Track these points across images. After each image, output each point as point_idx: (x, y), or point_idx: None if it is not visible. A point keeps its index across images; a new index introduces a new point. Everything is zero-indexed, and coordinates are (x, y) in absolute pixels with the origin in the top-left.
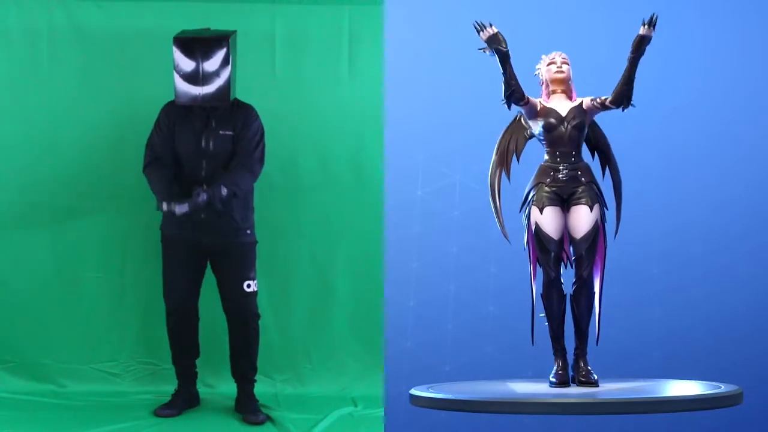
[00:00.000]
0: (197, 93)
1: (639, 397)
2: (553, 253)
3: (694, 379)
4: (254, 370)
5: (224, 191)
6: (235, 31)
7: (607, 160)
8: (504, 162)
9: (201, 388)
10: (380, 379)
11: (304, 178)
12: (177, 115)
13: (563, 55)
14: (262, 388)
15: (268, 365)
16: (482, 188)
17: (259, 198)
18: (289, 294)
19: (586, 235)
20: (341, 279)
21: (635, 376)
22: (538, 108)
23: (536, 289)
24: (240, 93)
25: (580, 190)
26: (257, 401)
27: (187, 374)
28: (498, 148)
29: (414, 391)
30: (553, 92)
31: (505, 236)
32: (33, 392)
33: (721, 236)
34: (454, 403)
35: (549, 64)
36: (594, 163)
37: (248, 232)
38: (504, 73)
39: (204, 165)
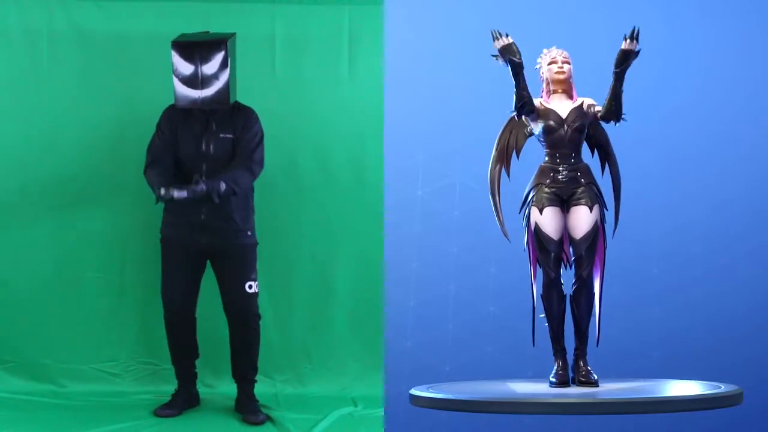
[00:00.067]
0: (197, 96)
1: (639, 397)
2: (552, 254)
3: (694, 379)
4: (254, 370)
5: (223, 186)
6: (234, 34)
7: (607, 156)
8: (504, 158)
9: (201, 388)
10: (380, 379)
11: (304, 179)
12: (178, 119)
13: (564, 54)
14: (262, 388)
15: (268, 365)
16: (482, 188)
17: (259, 198)
18: (289, 294)
19: (585, 235)
20: (341, 279)
21: (635, 376)
22: (539, 109)
23: (536, 289)
24: (240, 93)
25: (579, 190)
26: (257, 401)
27: (186, 374)
28: (498, 144)
29: (414, 391)
30: (554, 92)
31: (505, 234)
32: (33, 392)
33: (721, 236)
34: (454, 403)
35: (550, 64)
36: (594, 161)
37: (249, 233)
38: (516, 85)
39: (204, 168)
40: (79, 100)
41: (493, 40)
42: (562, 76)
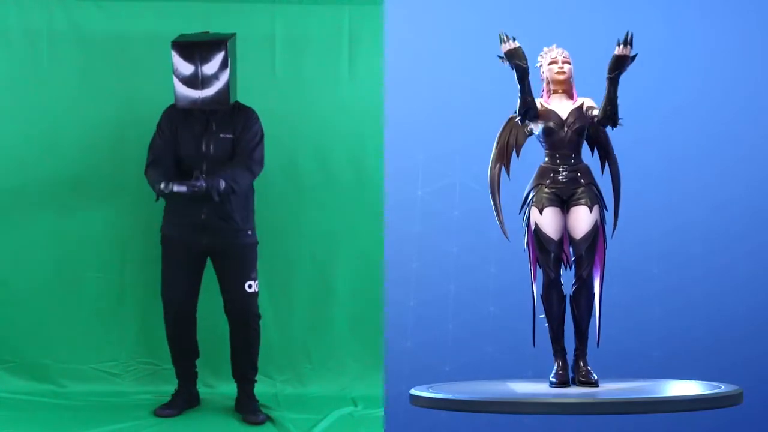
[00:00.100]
0: (197, 96)
1: (639, 397)
2: (552, 254)
3: (694, 379)
4: (255, 370)
5: (222, 185)
6: (234, 34)
7: (607, 155)
8: (504, 157)
9: (201, 388)
10: (380, 379)
11: (304, 178)
12: (178, 118)
13: (565, 54)
14: (262, 388)
15: (269, 365)
16: (482, 188)
17: (260, 198)
18: (290, 294)
19: (585, 235)
20: (341, 279)
21: (635, 376)
22: (539, 109)
23: (536, 290)
24: (240, 93)
25: (579, 191)
26: (257, 401)
27: (187, 374)
28: (498, 142)
29: (414, 391)
30: (554, 92)
31: (504, 233)
32: (33, 392)
33: (721, 236)
34: (454, 403)
35: (550, 64)
36: (594, 160)
37: (249, 233)
38: (521, 89)
39: (204, 168)
40: (79, 100)
41: (501, 43)
42: (562, 77)
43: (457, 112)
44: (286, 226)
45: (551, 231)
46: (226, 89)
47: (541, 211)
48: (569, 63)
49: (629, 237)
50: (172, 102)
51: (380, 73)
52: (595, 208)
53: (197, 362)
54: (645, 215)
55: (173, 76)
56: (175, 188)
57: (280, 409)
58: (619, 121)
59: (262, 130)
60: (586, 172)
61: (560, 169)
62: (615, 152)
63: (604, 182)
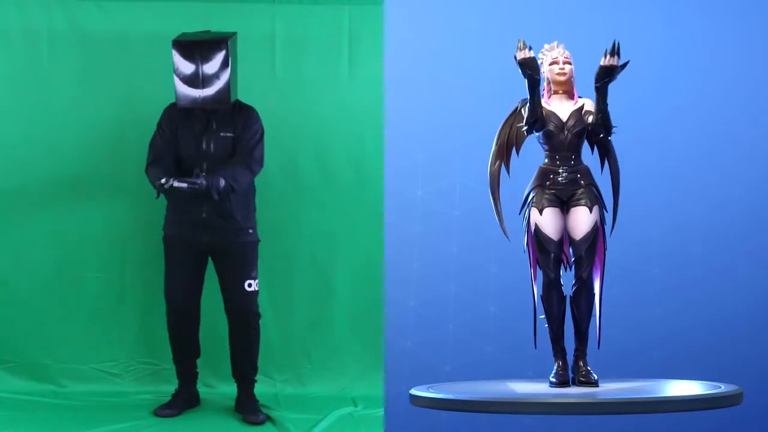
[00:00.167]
0: (197, 96)
1: (639, 397)
2: (552, 254)
3: (694, 379)
4: (255, 370)
5: (222, 183)
6: (235, 33)
7: (607, 152)
8: (503, 154)
9: (201, 388)
10: (380, 379)
11: (304, 178)
12: (178, 118)
13: (566, 54)
14: (262, 388)
15: (269, 365)
16: (482, 188)
17: (260, 198)
18: (290, 294)
19: (585, 235)
20: (341, 279)
21: (635, 376)
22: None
23: (536, 291)
24: (240, 93)
25: (579, 192)
26: (257, 401)
27: (187, 374)
28: (498, 139)
29: (414, 391)
30: (555, 92)
31: (504, 231)
32: (33, 392)
33: (721, 236)
34: (454, 403)
35: (551, 64)
36: (594, 158)
37: (250, 231)
38: (531, 100)
39: (205, 167)
40: (79, 100)
41: (517, 50)
42: (563, 78)
43: (457, 112)
44: (286, 226)
45: (551, 231)
46: (227, 88)
47: (540, 212)
48: (570, 63)
49: (629, 237)
50: (172, 101)
51: (380, 73)
52: (595, 208)
53: (197, 362)
54: (645, 215)
55: (174, 75)
56: (175, 184)
57: (280, 409)
58: (613, 129)
59: (262, 129)
60: (586, 173)
61: (560, 171)
62: (615, 150)
63: (603, 182)
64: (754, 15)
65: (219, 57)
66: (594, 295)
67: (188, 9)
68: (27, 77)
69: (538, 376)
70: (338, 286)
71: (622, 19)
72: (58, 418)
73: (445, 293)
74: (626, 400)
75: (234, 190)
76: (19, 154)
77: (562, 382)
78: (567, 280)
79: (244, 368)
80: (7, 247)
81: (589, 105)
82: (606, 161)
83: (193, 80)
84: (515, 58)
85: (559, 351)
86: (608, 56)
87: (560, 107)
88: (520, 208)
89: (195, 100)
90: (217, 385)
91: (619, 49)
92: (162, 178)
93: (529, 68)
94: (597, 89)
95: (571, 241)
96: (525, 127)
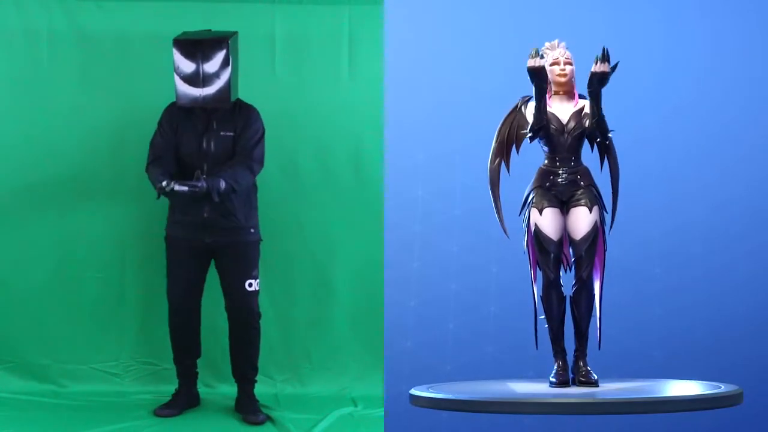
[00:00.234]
0: (198, 95)
1: (639, 397)
2: (552, 254)
3: (694, 379)
4: (255, 370)
5: (222, 185)
6: (235, 33)
7: (607, 149)
8: (503, 152)
9: (201, 388)
10: (380, 379)
11: (304, 178)
12: (179, 117)
13: (567, 54)
14: (262, 388)
15: (269, 365)
16: (483, 188)
17: (260, 198)
18: (290, 294)
19: (585, 236)
20: (341, 279)
21: (635, 376)
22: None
23: (537, 291)
24: (240, 93)
25: (579, 192)
26: (257, 401)
27: (188, 374)
28: (498, 137)
29: (414, 391)
30: (555, 93)
31: (504, 230)
32: (33, 392)
33: (721, 236)
34: (454, 403)
35: (552, 65)
36: (594, 156)
37: (252, 230)
38: (537, 107)
39: (205, 166)
40: (79, 100)
41: (529, 57)
42: (564, 79)
43: (457, 112)
44: (286, 225)
45: (551, 231)
46: (228, 87)
47: (540, 212)
48: (571, 64)
49: (629, 237)
50: (172, 101)
51: (380, 73)
52: (595, 209)
53: (198, 362)
54: (645, 215)
55: (174, 74)
56: (176, 188)
57: (280, 409)
58: (610, 134)
59: (263, 128)
60: (586, 174)
61: (560, 172)
62: (615, 149)
63: (603, 182)
64: (754, 15)
65: (220, 56)
66: (594, 295)
67: (188, 9)
68: (27, 77)
69: (539, 376)
70: (338, 286)
71: (622, 19)
72: (58, 418)
73: (446, 293)
74: (626, 400)
75: (234, 191)
76: (19, 154)
77: (562, 382)
78: (567, 280)
79: (244, 368)
80: (7, 247)
81: (585, 115)
82: (606, 159)
83: (194, 79)
84: (526, 65)
85: (559, 351)
86: (599, 63)
87: (561, 109)
88: (520, 208)
89: (195, 99)
90: (217, 385)
91: (608, 55)
92: (163, 180)
93: (539, 77)
94: (590, 94)
95: (571, 242)
96: (529, 134)
